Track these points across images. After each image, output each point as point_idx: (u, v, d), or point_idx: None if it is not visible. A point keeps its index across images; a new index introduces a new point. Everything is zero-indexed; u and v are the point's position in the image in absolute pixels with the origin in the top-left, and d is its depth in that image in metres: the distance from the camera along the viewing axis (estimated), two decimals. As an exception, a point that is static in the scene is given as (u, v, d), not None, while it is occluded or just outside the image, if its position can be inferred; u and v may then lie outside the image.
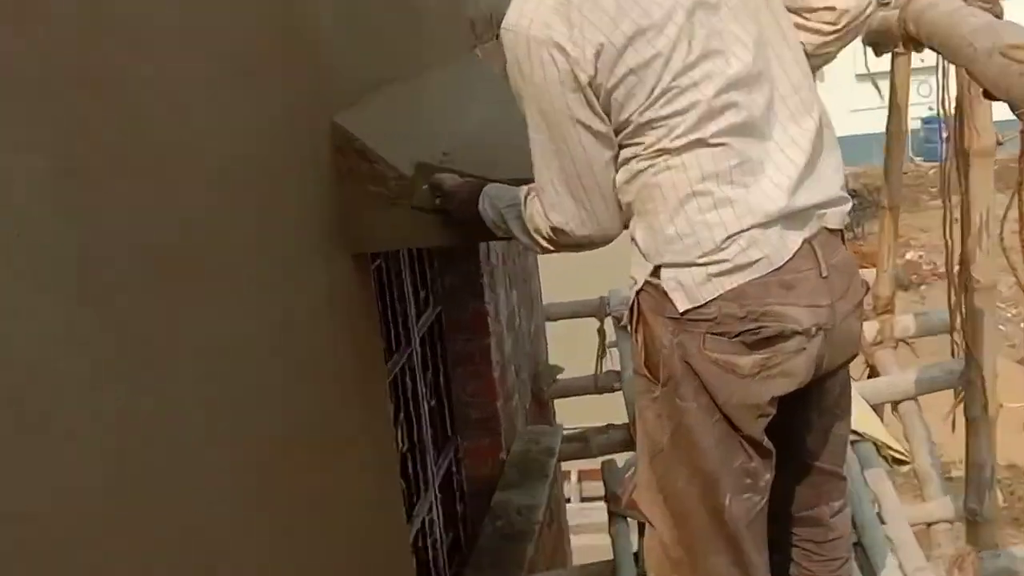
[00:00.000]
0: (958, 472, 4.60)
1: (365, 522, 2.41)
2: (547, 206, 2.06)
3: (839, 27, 2.13)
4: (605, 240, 2.11)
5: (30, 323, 1.28)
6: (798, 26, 2.13)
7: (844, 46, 2.22)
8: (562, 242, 2.11)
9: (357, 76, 2.57)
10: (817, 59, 2.18)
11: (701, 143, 1.93)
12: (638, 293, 2.04)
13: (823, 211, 2.03)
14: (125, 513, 1.43)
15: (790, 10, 2.12)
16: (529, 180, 2.10)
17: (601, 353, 5.03)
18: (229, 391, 1.75)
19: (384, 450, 2.62)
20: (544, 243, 2.14)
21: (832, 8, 2.12)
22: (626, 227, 2.08)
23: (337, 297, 2.32)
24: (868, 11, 2.15)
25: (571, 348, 5.27)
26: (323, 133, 2.31)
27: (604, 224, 2.06)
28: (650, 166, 1.96)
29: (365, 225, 2.39)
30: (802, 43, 2.12)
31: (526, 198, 2.16)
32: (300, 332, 2.10)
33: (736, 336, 1.96)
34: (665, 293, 1.98)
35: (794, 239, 1.97)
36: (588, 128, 1.96)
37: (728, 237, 1.93)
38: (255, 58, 1.98)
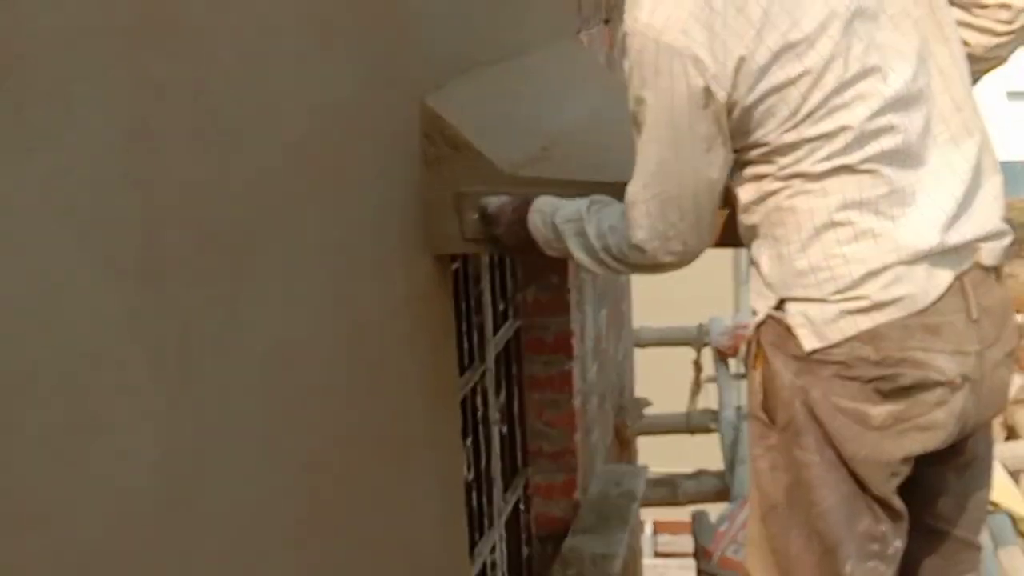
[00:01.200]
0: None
1: (426, 554, 2.42)
2: (634, 222, 2.05)
3: (1015, 27, 2.11)
4: (682, 265, 2.12)
5: (92, 306, 1.31)
6: (965, 24, 2.10)
7: (1016, 48, 2.19)
8: (634, 262, 2.11)
9: (450, 54, 2.59)
10: (985, 63, 2.17)
11: (846, 169, 1.91)
12: (759, 326, 2.03)
13: (979, 246, 2.00)
14: (169, 515, 1.45)
15: (957, 4, 2.09)
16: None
17: (696, 388, 5.02)
18: (289, 393, 1.77)
19: (451, 477, 2.63)
20: (612, 262, 2.15)
21: (1007, 6, 2.10)
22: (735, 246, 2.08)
23: (413, 300, 2.34)
24: None
25: (662, 380, 5.26)
26: (410, 116, 2.33)
27: (691, 249, 2.07)
28: (784, 187, 1.95)
29: (450, 222, 2.40)
30: (969, 44, 2.10)
31: (592, 209, 2.16)
32: (371, 335, 2.12)
33: (869, 382, 1.93)
34: (790, 329, 1.96)
35: (944, 277, 1.94)
36: (710, 149, 1.96)
37: (868, 273, 1.91)
38: (338, 26, 2.00)
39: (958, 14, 2.10)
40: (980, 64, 2.15)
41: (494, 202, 2.35)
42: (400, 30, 2.30)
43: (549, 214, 2.23)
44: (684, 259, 2.10)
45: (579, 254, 2.19)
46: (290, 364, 1.78)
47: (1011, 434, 4.25)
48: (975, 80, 2.14)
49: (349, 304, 2.02)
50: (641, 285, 5.35)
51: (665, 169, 1.98)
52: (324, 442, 1.91)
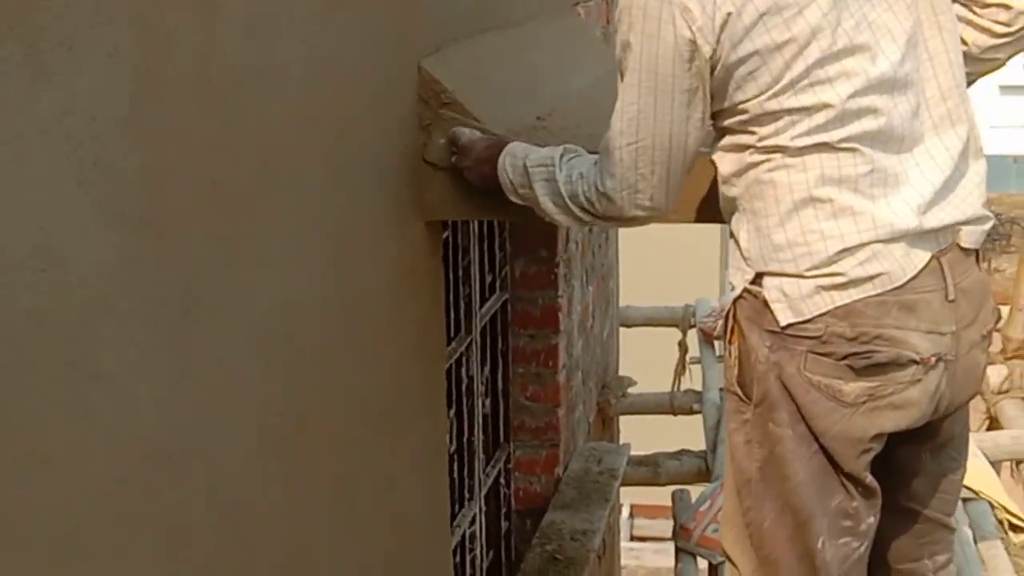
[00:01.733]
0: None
1: (409, 522, 2.44)
2: (605, 169, 2.06)
3: (1013, 29, 2.12)
4: (647, 222, 2.14)
5: (93, 252, 1.32)
6: (966, 21, 2.12)
7: (1014, 55, 2.20)
8: (602, 211, 2.11)
9: (449, 20, 2.60)
10: (981, 64, 2.18)
11: (826, 147, 1.93)
12: (736, 300, 2.06)
13: (959, 228, 2.03)
14: (166, 466, 1.47)
15: (959, 1, 2.11)
16: None
17: (681, 369, 5.06)
18: (285, 352, 1.79)
19: (436, 446, 2.66)
20: (578, 211, 2.14)
21: (1007, 6, 2.11)
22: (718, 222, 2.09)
23: (405, 266, 2.36)
24: None
25: (646, 359, 5.30)
26: (408, 79, 2.34)
27: (657, 206, 2.08)
28: (765, 160, 1.97)
29: (443, 188, 2.42)
30: (967, 43, 2.12)
31: (564, 157, 2.16)
32: (365, 299, 2.14)
33: (843, 359, 1.96)
34: (766, 303, 1.99)
35: (921, 256, 1.97)
36: (689, 103, 1.97)
37: (844, 250, 1.94)
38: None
39: (959, 10, 2.11)
40: (977, 65, 2.17)
41: (466, 133, 2.34)
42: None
43: (520, 157, 2.22)
44: (650, 216, 2.11)
45: (545, 200, 2.17)
46: (289, 325, 1.80)
47: (993, 424, 4.30)
48: (971, 82, 2.16)
49: (346, 267, 2.04)
50: (629, 265, 5.38)
51: (643, 117, 1.99)
52: (319, 406, 1.93)
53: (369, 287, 2.16)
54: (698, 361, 4.98)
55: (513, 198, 2.25)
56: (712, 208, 2.24)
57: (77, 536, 1.31)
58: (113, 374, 1.36)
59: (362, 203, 2.11)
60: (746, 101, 1.95)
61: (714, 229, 1.99)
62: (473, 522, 3.53)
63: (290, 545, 1.86)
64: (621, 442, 4.94)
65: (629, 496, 9.51)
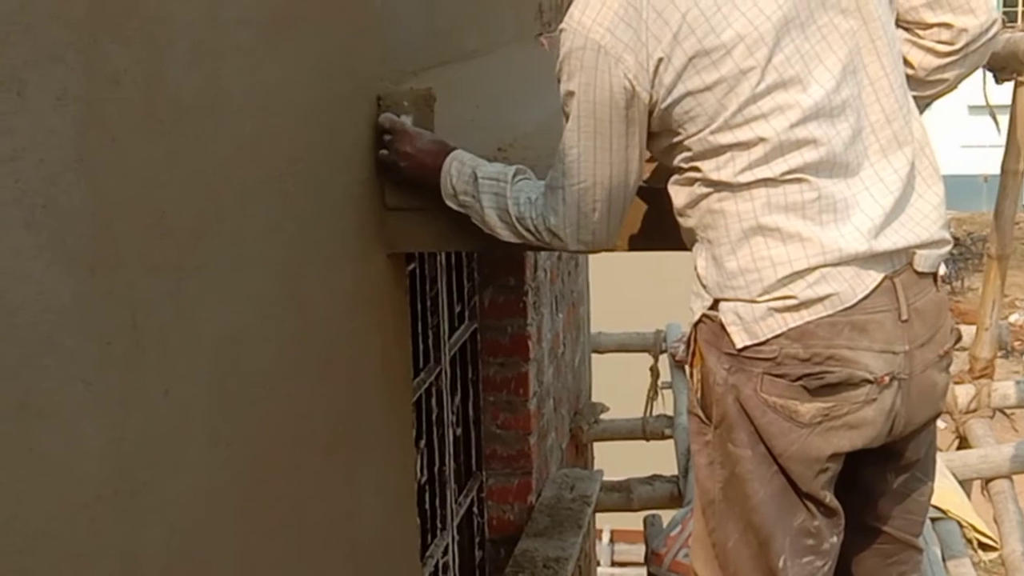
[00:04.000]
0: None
1: (374, 555, 2.43)
2: (550, 207, 2.15)
3: (956, 48, 2.13)
4: (589, 252, 2.27)
5: (40, 292, 1.32)
6: (910, 44, 2.14)
7: (963, 75, 2.21)
8: (547, 241, 2.21)
9: (408, 53, 2.62)
10: (930, 87, 2.19)
11: (768, 183, 1.96)
12: (696, 324, 2.09)
13: (914, 252, 2.04)
14: (116, 503, 1.46)
15: (901, 25, 2.12)
16: None
17: (653, 394, 5.07)
18: (237, 386, 1.78)
19: (403, 476, 2.65)
20: (524, 233, 2.21)
21: (949, 25, 2.12)
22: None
23: (366, 298, 2.36)
24: (991, 32, 2.14)
25: (619, 386, 5.30)
26: (366, 112, 2.35)
27: (599, 240, 2.18)
28: (713, 192, 2.00)
29: (405, 220, 2.42)
30: (913, 66, 2.14)
31: (515, 177, 2.22)
32: (322, 331, 2.14)
33: (797, 380, 1.98)
34: (723, 326, 2.02)
35: (872, 276, 1.99)
36: (628, 146, 2.05)
37: (794, 274, 1.96)
38: (294, 19, 2.02)
39: (903, 34, 2.13)
40: (926, 88, 2.18)
41: (404, 120, 2.35)
42: (358, 27, 2.33)
43: (469, 166, 2.26)
44: (593, 248, 2.21)
45: (490, 213, 2.23)
46: (239, 357, 1.80)
47: (962, 443, 4.31)
48: (924, 106, 2.17)
49: (300, 299, 2.04)
50: (600, 291, 5.39)
51: (583, 160, 2.07)
52: (272, 436, 1.92)
53: (326, 318, 2.15)
54: (670, 386, 5.00)
55: (449, 202, 2.28)
56: (653, 236, 2.36)
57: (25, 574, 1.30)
58: (59, 411, 1.35)
59: (316, 235, 2.11)
60: (688, 138, 2.00)
61: (683, 255, 2.00)
62: (446, 552, 3.53)
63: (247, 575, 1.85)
64: (595, 468, 4.93)
65: (609, 522, 9.51)
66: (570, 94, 2.04)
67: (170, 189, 1.59)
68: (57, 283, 1.36)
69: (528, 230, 2.20)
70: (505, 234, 2.24)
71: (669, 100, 1.97)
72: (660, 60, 1.95)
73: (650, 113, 2.01)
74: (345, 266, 2.27)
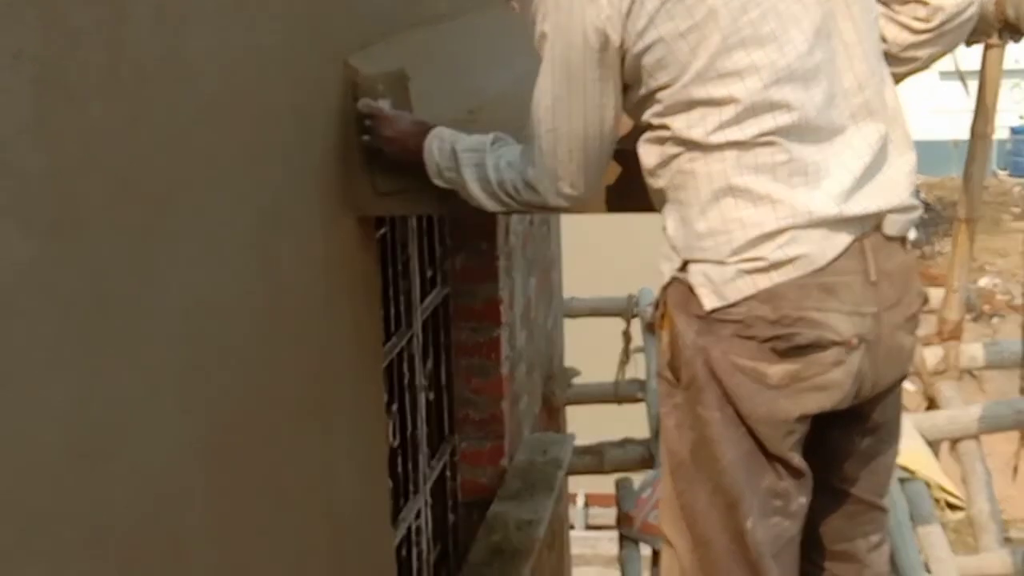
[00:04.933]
0: (1019, 533, 4.63)
1: (346, 519, 2.43)
2: (527, 158, 2.13)
3: (931, 26, 2.13)
4: (572, 210, 2.22)
5: (0, 256, 1.30)
6: (886, 19, 2.14)
7: (936, 55, 2.21)
8: (527, 199, 2.18)
9: (377, 15, 2.59)
10: (903, 64, 2.18)
11: (739, 145, 1.95)
12: (665, 287, 2.08)
13: (883, 216, 2.04)
14: (80, 468, 1.45)
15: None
16: None
17: (625, 358, 5.08)
18: (205, 350, 1.77)
19: (374, 441, 2.65)
20: (505, 198, 2.20)
21: (924, 2, 2.12)
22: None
23: (336, 262, 2.35)
24: (968, 13, 2.15)
25: (591, 350, 5.31)
26: (333, 76, 2.33)
27: (579, 194, 2.14)
28: (684, 151, 1.99)
29: (374, 185, 2.40)
30: (887, 41, 2.13)
31: (494, 145, 2.22)
32: (291, 295, 2.12)
33: (766, 341, 1.98)
34: (692, 289, 2.01)
35: (841, 239, 1.99)
36: (603, 92, 2.02)
37: (764, 235, 1.96)
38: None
39: (880, 8, 2.13)
40: (900, 65, 2.18)
41: (383, 104, 2.35)
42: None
43: (449, 142, 2.26)
44: (574, 203, 2.17)
45: (472, 185, 2.22)
46: (207, 322, 1.78)
47: (931, 405, 4.34)
48: (897, 82, 2.17)
49: (268, 264, 2.02)
50: (572, 256, 5.39)
51: (558, 105, 2.05)
52: (243, 402, 1.91)
53: (296, 283, 2.14)
54: (642, 350, 5.01)
55: (436, 180, 2.28)
56: (626, 198, 2.32)
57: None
58: (22, 375, 1.33)
59: (285, 199, 2.09)
60: (659, 90, 1.98)
61: (655, 219, 1.99)
62: (419, 516, 3.53)
63: (219, 542, 1.84)
64: (567, 432, 4.95)
65: (584, 486, 9.55)
66: (544, 36, 2.02)
67: (134, 152, 1.57)
68: (17, 246, 1.34)
69: (508, 193, 2.19)
70: (489, 204, 2.23)
71: (641, 46, 1.95)
72: (633, 2, 1.93)
73: (622, 60, 1.99)
74: (314, 230, 2.25)
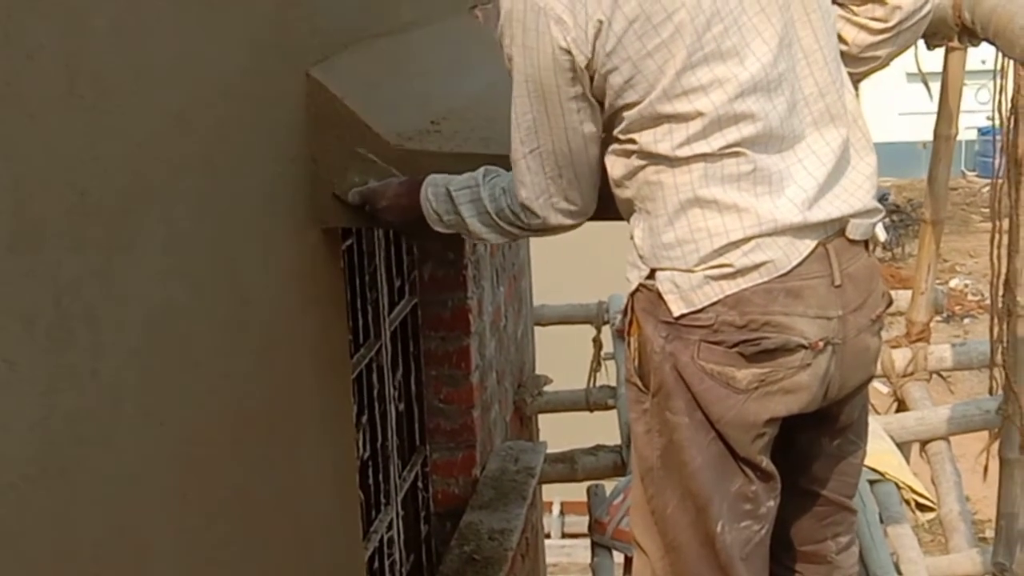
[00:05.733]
0: (991, 533, 4.67)
1: (316, 531, 2.43)
2: (517, 181, 2.12)
3: (889, 25, 2.15)
4: (574, 227, 2.19)
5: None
6: (844, 20, 2.15)
7: (895, 53, 2.23)
8: (527, 223, 2.17)
9: (339, 27, 2.59)
10: (863, 63, 2.20)
11: (706, 157, 1.96)
12: (633, 294, 2.09)
13: (847, 221, 2.06)
14: (45, 483, 1.45)
15: (836, 1, 2.13)
16: None
17: (595, 365, 5.08)
18: (169, 363, 1.77)
19: (343, 454, 2.65)
20: (507, 226, 2.20)
21: (882, 2, 2.13)
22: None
23: (301, 273, 2.35)
24: (925, 10, 2.16)
25: (562, 358, 5.31)
26: (296, 88, 2.33)
27: (577, 208, 2.14)
28: (650, 164, 2.00)
29: (338, 196, 2.41)
30: (847, 42, 2.15)
31: (486, 177, 2.21)
32: (255, 309, 2.12)
33: (733, 346, 2.00)
34: (660, 295, 2.02)
35: (806, 244, 2.01)
36: (579, 109, 2.01)
37: (730, 243, 1.98)
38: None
39: (837, 10, 2.14)
40: (859, 65, 2.20)
41: (370, 185, 2.37)
42: (286, 1, 2.30)
43: (442, 185, 2.26)
44: (574, 218, 2.16)
45: (473, 222, 2.22)
46: (170, 335, 1.78)
47: (901, 406, 4.37)
48: (856, 81, 2.19)
49: (232, 276, 2.03)
50: (541, 264, 5.40)
51: (539, 125, 2.04)
52: (208, 415, 1.92)
53: (261, 295, 2.14)
54: (612, 357, 5.02)
55: (439, 227, 2.29)
56: (607, 207, 2.27)
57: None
58: (-18, 392, 1.34)
59: (247, 211, 2.09)
60: (626, 108, 1.98)
61: (625, 226, 2.00)
62: (391, 527, 3.53)
63: (186, 556, 1.84)
64: (539, 440, 4.95)
65: (559, 494, 9.54)
66: (511, 59, 2.01)
67: (94, 166, 1.57)
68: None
69: (508, 221, 2.18)
70: (492, 236, 2.24)
71: (609, 66, 1.95)
72: (600, 23, 1.92)
73: (591, 79, 1.98)
74: (278, 242, 2.26)
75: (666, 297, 2.02)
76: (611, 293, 5.37)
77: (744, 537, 2.11)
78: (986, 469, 3.80)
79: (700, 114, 1.94)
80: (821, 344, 2.02)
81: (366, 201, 2.37)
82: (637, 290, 2.08)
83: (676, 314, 2.01)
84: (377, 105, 2.48)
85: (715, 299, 1.99)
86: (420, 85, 2.90)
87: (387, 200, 2.34)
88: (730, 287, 1.98)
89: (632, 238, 2.09)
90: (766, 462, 2.10)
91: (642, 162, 2.01)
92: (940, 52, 3.81)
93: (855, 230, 2.07)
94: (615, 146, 2.06)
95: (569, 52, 1.95)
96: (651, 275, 2.04)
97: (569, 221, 2.16)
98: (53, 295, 1.47)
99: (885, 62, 2.24)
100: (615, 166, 2.07)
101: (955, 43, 3.21)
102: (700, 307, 1.99)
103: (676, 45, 1.92)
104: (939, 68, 4.14)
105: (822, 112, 2.05)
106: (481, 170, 2.24)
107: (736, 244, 1.97)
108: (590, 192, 2.13)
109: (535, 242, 5.18)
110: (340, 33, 2.59)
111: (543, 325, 5.29)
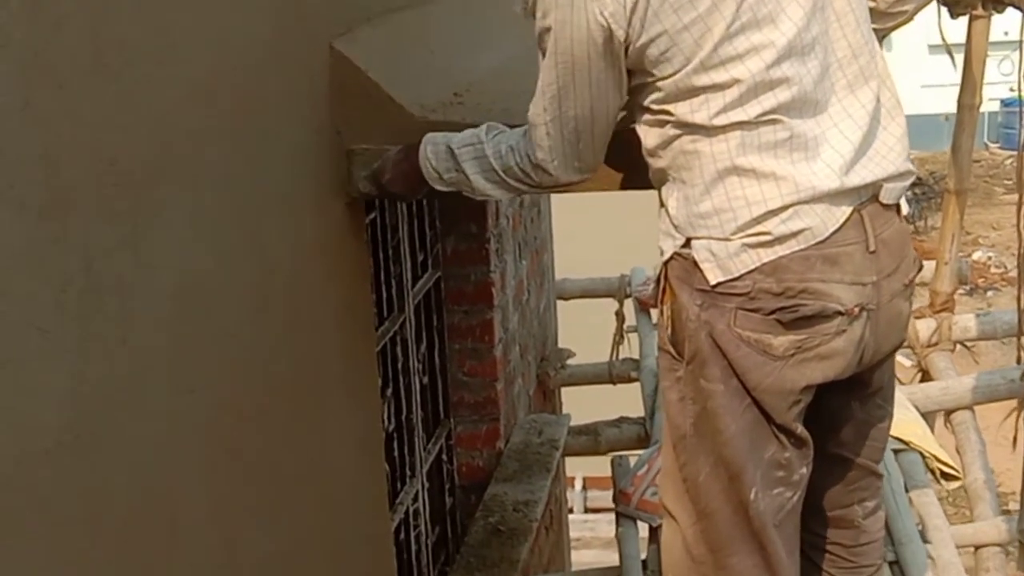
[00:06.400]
0: (1016, 505, 4.66)
1: (343, 503, 2.45)
2: (535, 143, 2.12)
3: None
4: (582, 180, 2.21)
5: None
6: None
7: (922, 5, 2.23)
8: (538, 180, 2.18)
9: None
10: (890, 18, 2.21)
11: (743, 125, 1.97)
12: (667, 262, 2.09)
13: (880, 185, 2.06)
14: (78, 450, 1.47)
15: None
16: None
17: (618, 338, 5.08)
18: (198, 331, 1.79)
19: (369, 426, 2.66)
20: (513, 182, 2.20)
21: None
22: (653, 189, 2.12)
23: (326, 244, 2.36)
24: None
25: (584, 331, 5.31)
26: (320, 60, 2.34)
27: (588, 166, 2.15)
28: (685, 133, 2.01)
29: (362, 168, 2.41)
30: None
31: (489, 134, 2.22)
32: (281, 280, 2.14)
33: (770, 313, 2.00)
34: (696, 263, 2.03)
35: (842, 211, 2.01)
36: (607, 79, 2.02)
37: (768, 212, 1.98)
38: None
39: None
40: (886, 20, 2.20)
41: (378, 160, 2.38)
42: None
43: (443, 143, 2.26)
44: (584, 174, 2.18)
45: (477, 179, 2.22)
46: (198, 304, 1.80)
47: (925, 376, 4.36)
48: (881, 37, 2.19)
49: (258, 246, 2.04)
50: (563, 238, 5.40)
51: (564, 95, 2.05)
52: (236, 384, 1.93)
53: (286, 266, 2.16)
54: (635, 330, 5.01)
55: (439, 186, 2.28)
56: (637, 175, 2.28)
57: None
58: (15, 359, 1.35)
59: (274, 181, 2.10)
60: (662, 79, 1.98)
61: (646, 198, 1.99)
62: (416, 499, 3.55)
63: (215, 525, 1.86)
64: (563, 413, 4.96)
65: (582, 469, 9.56)
66: (546, 30, 2.01)
67: (122, 134, 1.58)
68: (9, 230, 1.35)
69: (516, 178, 2.19)
70: (497, 193, 2.24)
71: (645, 39, 1.95)
72: None
73: (625, 52, 1.99)
74: (303, 212, 2.27)
75: (702, 265, 2.02)
76: (633, 266, 5.37)
77: (777, 504, 2.12)
78: (1015, 440, 3.79)
79: (737, 82, 1.94)
80: (857, 310, 2.03)
81: (374, 182, 2.38)
82: (671, 259, 2.08)
83: (712, 282, 2.01)
84: (400, 77, 2.49)
85: (752, 267, 1.99)
86: (442, 58, 2.90)
87: (389, 173, 2.35)
88: (767, 255, 1.98)
89: (665, 207, 2.09)
90: (800, 429, 2.10)
91: (677, 132, 2.01)
92: (963, 22, 3.79)
93: (888, 194, 2.07)
94: (648, 116, 2.06)
95: (607, 28, 1.95)
96: (686, 244, 2.04)
97: (579, 177, 2.18)
98: (84, 263, 1.49)
99: (911, 15, 2.25)
100: (648, 136, 2.07)
101: (979, 11, 3.20)
102: (737, 275, 2.00)
103: (713, 18, 1.92)
104: (962, 40, 4.11)
105: (856, 74, 2.04)
106: (484, 127, 2.24)
107: (775, 212, 1.97)
108: (603, 150, 2.15)
109: (557, 216, 5.18)
110: (363, 5, 2.59)
111: (565, 299, 5.29)
